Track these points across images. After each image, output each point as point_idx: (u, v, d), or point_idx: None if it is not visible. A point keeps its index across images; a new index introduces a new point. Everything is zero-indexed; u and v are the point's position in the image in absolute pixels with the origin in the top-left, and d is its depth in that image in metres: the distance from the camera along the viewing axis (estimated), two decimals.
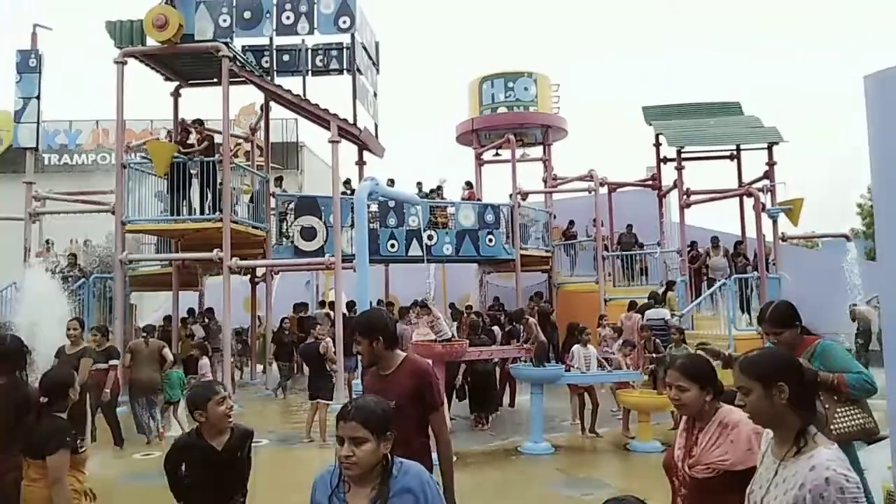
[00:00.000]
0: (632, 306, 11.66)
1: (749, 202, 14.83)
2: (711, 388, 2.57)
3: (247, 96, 20.16)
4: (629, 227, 17.08)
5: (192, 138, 11.79)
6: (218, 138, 11.94)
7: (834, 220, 39.83)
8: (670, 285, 13.63)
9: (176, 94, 13.70)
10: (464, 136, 18.92)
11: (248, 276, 14.46)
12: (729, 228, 17.23)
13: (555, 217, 17.69)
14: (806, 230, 17.73)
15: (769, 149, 15.02)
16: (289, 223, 12.79)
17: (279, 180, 14.31)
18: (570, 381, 8.56)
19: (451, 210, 14.43)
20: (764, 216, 13.78)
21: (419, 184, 15.86)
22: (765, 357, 2.18)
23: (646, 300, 11.76)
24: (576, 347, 8.94)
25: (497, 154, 18.82)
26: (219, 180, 11.24)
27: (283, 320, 13.49)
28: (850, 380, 3.71)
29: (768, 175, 15.05)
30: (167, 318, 13.67)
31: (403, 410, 2.79)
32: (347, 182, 14.34)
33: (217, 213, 11.18)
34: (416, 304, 9.73)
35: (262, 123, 13.97)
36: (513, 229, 15.04)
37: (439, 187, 15.96)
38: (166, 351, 8.72)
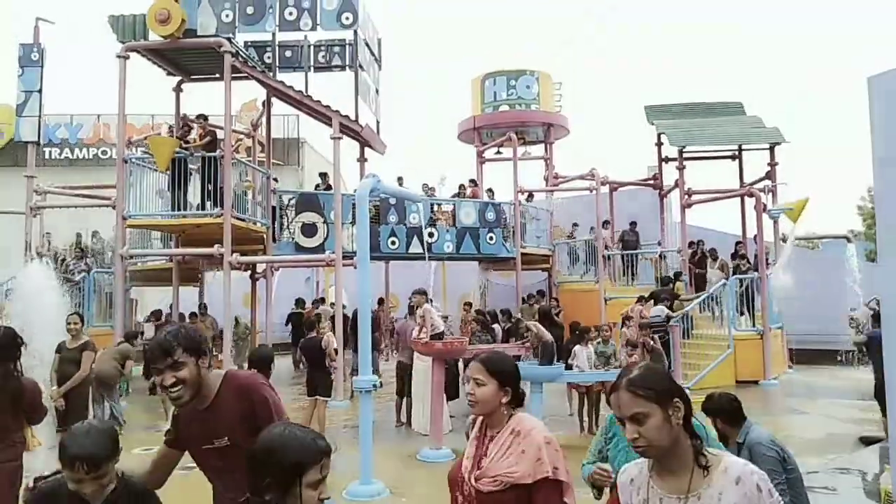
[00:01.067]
0: (640, 300, 11.71)
1: (750, 202, 14.84)
2: (511, 389, 2.35)
3: (249, 92, 20.13)
4: (632, 224, 17.05)
5: (194, 133, 11.78)
6: (220, 134, 11.93)
7: (834, 222, 39.85)
8: (677, 276, 13.62)
9: (178, 89, 13.68)
10: (465, 134, 18.92)
11: (249, 271, 14.46)
12: (730, 229, 17.27)
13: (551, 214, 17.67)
14: (807, 231, 17.75)
15: (771, 149, 15.04)
16: (290, 219, 12.79)
17: (324, 176, 14.37)
18: (570, 379, 8.56)
19: (446, 207, 14.37)
20: (765, 217, 13.78)
21: (425, 185, 15.87)
22: (652, 373, 1.89)
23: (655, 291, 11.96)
24: (577, 347, 8.94)
25: (499, 152, 18.81)
26: (220, 176, 11.24)
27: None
28: None
29: (770, 175, 15.06)
30: (155, 313, 13.62)
31: (240, 446, 2.21)
32: (324, 175, 14.27)
33: (218, 208, 11.19)
34: (415, 292, 9.67)
35: (264, 119, 13.95)
36: (514, 228, 15.04)
37: (432, 188, 15.97)
38: (131, 363, 8.92)
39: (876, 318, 8.68)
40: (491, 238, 14.46)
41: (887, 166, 4.43)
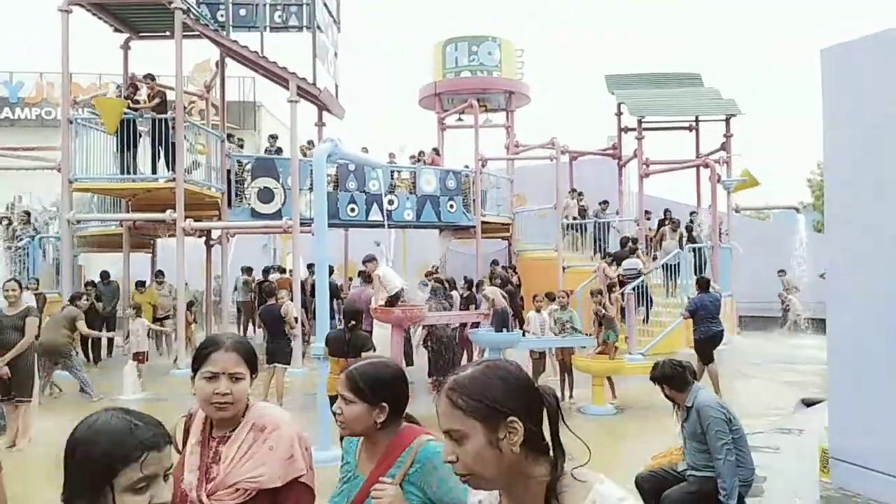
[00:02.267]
0: (606, 258, 12.65)
1: (706, 173, 15.12)
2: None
3: (201, 52, 19.39)
4: (604, 203, 17.00)
5: (143, 94, 11.32)
6: (170, 95, 11.50)
7: (784, 194, 41.02)
8: (634, 241, 13.90)
9: (125, 47, 13.09)
10: (426, 100, 18.68)
11: (203, 238, 14.13)
12: (685, 199, 17.61)
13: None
14: (757, 202, 18.27)
15: (727, 121, 15.32)
16: (246, 185, 12.49)
17: (231, 138, 13.92)
18: (528, 346, 8.68)
19: (406, 174, 14.24)
20: (719, 187, 14.08)
21: (392, 154, 15.59)
22: (485, 376, 1.34)
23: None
24: (531, 313, 9.04)
25: (460, 119, 18.66)
26: (171, 139, 10.87)
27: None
28: None
29: (725, 147, 15.35)
30: (90, 284, 13.09)
31: None
32: (274, 138, 13.95)
33: (170, 172, 10.84)
34: (365, 260, 9.59)
35: (218, 81, 13.49)
36: (474, 196, 15.01)
37: (421, 152, 15.72)
38: (81, 323, 8.83)
39: (702, 285, 9.20)
40: (451, 206, 14.42)
41: (837, 136, 4.54)
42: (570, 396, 8.64)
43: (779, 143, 55.53)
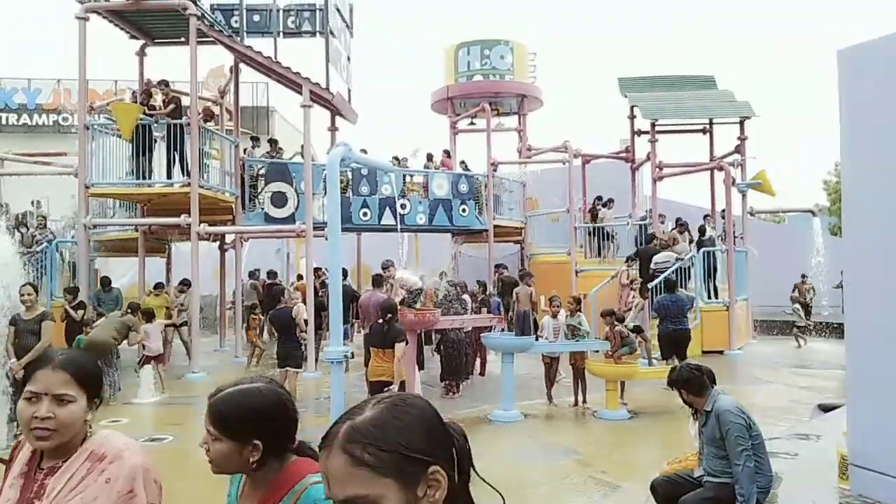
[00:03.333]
0: (628, 261, 13.13)
1: (720, 176, 15.00)
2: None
3: (215, 58, 19.59)
4: (610, 200, 17.06)
5: (157, 100, 11.43)
6: (185, 100, 11.60)
7: (800, 196, 40.65)
8: (652, 237, 13.91)
9: (141, 54, 13.23)
10: (439, 104, 18.72)
11: (217, 242, 14.23)
12: (699, 202, 17.49)
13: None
14: (772, 205, 18.08)
15: (741, 123, 15.19)
16: (259, 189, 12.57)
17: (256, 140, 14.02)
18: (540, 350, 8.65)
19: (418, 178, 14.24)
20: (734, 190, 13.96)
21: (395, 157, 15.63)
22: (396, 419, 1.03)
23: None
24: (546, 318, 8.99)
25: (472, 123, 18.68)
26: (186, 144, 10.96)
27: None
28: None
29: (739, 149, 15.23)
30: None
31: None
32: (273, 142, 13.98)
33: (185, 177, 10.93)
34: (384, 266, 9.70)
35: (232, 86, 13.59)
36: (487, 200, 14.99)
37: (429, 155, 15.73)
38: (134, 334, 9.16)
39: (668, 287, 9.96)
40: (464, 210, 14.41)
41: (854, 138, 4.49)
42: (584, 401, 8.59)
43: (794, 145, 55.08)
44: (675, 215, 15.54)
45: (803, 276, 15.10)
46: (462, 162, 16.35)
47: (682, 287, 12.46)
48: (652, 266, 12.55)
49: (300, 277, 14.95)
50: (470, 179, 14.69)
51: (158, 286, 12.54)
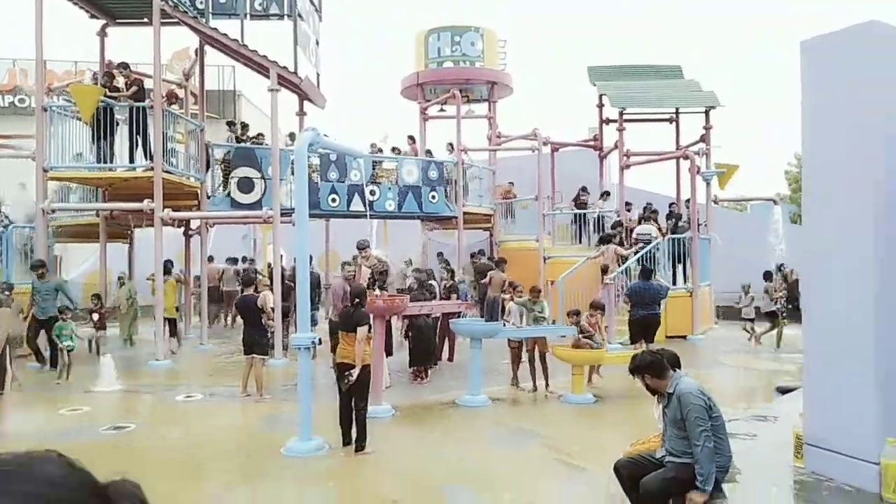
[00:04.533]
0: (602, 241, 13.43)
1: (685, 165, 15.25)
2: None
3: (180, 40, 19.16)
4: (607, 193, 17.27)
5: (120, 82, 11.13)
6: (148, 83, 11.31)
7: (762, 186, 41.50)
8: (618, 224, 14.17)
9: (102, 34, 12.84)
10: (409, 90, 18.59)
11: (182, 228, 13.97)
12: (666, 191, 17.75)
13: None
14: (735, 193, 18.45)
15: (706, 113, 15.43)
16: (225, 174, 12.35)
17: (231, 125, 13.74)
18: (507, 335, 8.72)
19: (388, 165, 14.15)
20: (699, 178, 14.21)
21: (373, 145, 15.53)
22: None
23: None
24: (511, 303, 9.08)
25: (442, 109, 18.61)
26: (150, 127, 10.71)
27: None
28: None
29: (705, 138, 15.48)
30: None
31: None
32: (245, 126, 13.81)
33: (148, 161, 10.69)
34: (361, 246, 9.71)
35: (197, 69, 13.29)
36: (456, 186, 14.98)
37: (393, 148, 15.70)
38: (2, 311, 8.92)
39: (643, 274, 10.31)
40: (433, 196, 14.38)
41: (815, 128, 4.60)
42: (547, 386, 8.73)
43: (757, 134, 56.15)
44: (642, 203, 15.78)
45: (780, 266, 15.19)
46: (427, 151, 16.34)
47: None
48: (633, 236, 13.26)
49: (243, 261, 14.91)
50: (439, 166, 14.66)
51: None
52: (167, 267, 11.94)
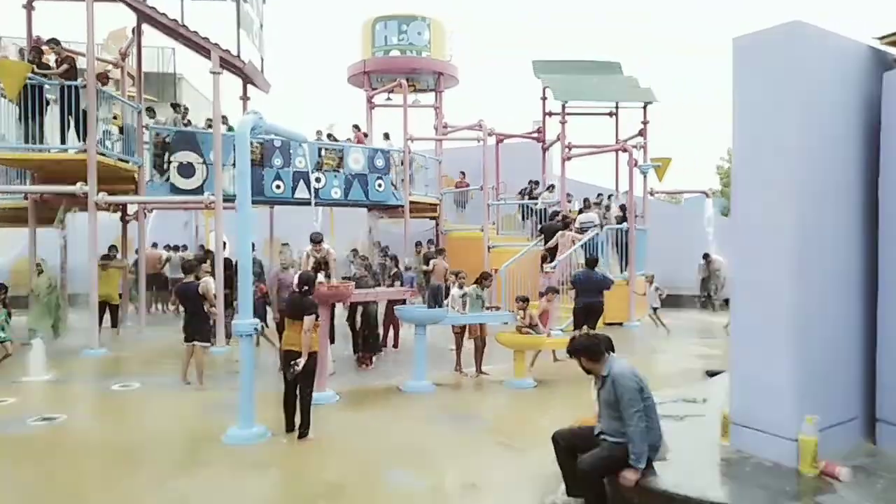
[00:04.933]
0: (542, 231, 13.98)
1: (624, 158, 15.68)
2: None
3: (116, 19, 18.34)
4: (535, 182, 17.59)
5: (50, 59, 10.61)
6: (81, 62, 10.84)
7: (696, 180, 42.93)
8: (556, 213, 14.52)
9: (29, 7, 12.20)
10: (355, 78, 18.43)
11: (119, 213, 13.48)
12: (605, 183, 18.22)
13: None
14: (669, 186, 19.10)
15: (644, 108, 15.90)
16: (165, 159, 11.98)
17: (151, 111, 13.28)
18: (452, 321, 8.83)
19: (333, 153, 14.00)
20: (636, 171, 14.66)
21: (319, 132, 15.32)
22: None
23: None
24: (453, 289, 9.20)
25: (389, 98, 18.53)
26: (83, 108, 10.27)
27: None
28: None
29: (642, 133, 15.96)
30: None
31: None
32: (175, 106, 13.48)
33: (81, 143, 10.27)
34: (317, 240, 9.67)
35: (134, 49, 12.80)
36: (403, 175, 14.98)
37: (329, 135, 15.53)
38: None
39: (588, 263, 10.70)
40: (380, 185, 14.34)
41: (745, 125, 4.81)
42: (479, 370, 8.91)
43: (691, 130, 57.96)
44: (583, 195, 16.18)
45: (706, 255, 15.80)
46: (385, 134, 16.30)
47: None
48: (577, 224, 13.73)
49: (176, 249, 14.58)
50: (386, 154, 14.62)
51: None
52: (111, 253, 11.54)
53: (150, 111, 13.20)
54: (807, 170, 4.37)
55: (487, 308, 9.12)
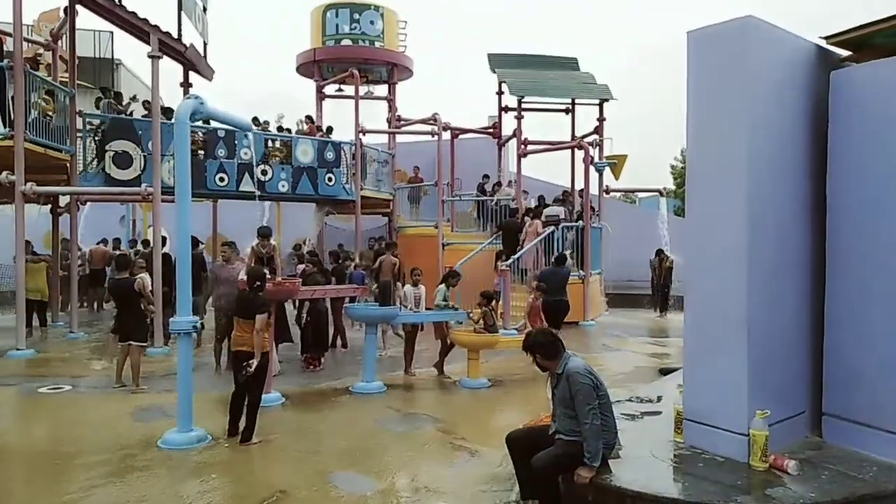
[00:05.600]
0: (529, 212, 14.02)
1: (580, 155, 15.72)
2: None
3: None
4: (486, 175, 17.52)
5: None
6: (8, 43, 10.15)
7: (650, 180, 43.83)
8: (515, 211, 14.46)
9: None
10: (305, 67, 17.91)
11: (49, 205, 12.74)
12: (561, 181, 18.29)
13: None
14: (625, 185, 19.31)
15: (600, 105, 15.96)
16: (99, 147, 11.35)
17: (105, 91, 12.56)
18: (404, 320, 8.62)
19: (280, 144, 13.56)
20: (592, 169, 14.70)
21: (255, 119, 14.79)
22: None
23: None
24: (407, 287, 8.98)
25: (340, 89, 18.12)
26: (9, 92, 9.61)
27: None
28: None
29: (598, 130, 16.02)
30: None
31: None
32: (105, 90, 12.79)
33: (7, 129, 9.61)
34: (265, 234, 9.37)
35: (67, 30, 12.08)
36: (355, 169, 14.63)
37: (279, 127, 15.06)
38: None
39: (557, 260, 10.94)
40: (330, 179, 13.97)
41: (700, 122, 4.76)
42: (440, 369, 8.75)
43: (649, 128, 59.18)
44: (538, 193, 16.18)
45: (659, 251, 15.97)
46: (363, 131, 15.85)
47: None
48: (544, 218, 13.77)
49: (146, 244, 13.86)
50: (336, 147, 14.25)
51: None
52: (29, 247, 10.86)
53: (105, 91, 12.50)
54: (757, 165, 4.37)
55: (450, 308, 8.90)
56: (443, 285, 8.97)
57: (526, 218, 13.85)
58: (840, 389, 4.69)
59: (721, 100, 4.48)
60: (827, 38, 4.99)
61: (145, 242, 14.05)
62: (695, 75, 4.69)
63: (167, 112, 11.43)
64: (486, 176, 17.41)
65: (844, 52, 5.07)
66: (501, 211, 15.89)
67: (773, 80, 4.49)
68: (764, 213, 4.40)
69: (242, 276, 7.89)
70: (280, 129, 14.74)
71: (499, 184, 17.07)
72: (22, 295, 9.98)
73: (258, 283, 6.03)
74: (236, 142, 12.29)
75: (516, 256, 12.83)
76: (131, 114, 12.50)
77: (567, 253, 12.75)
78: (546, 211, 14.14)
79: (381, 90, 18.95)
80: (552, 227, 13.36)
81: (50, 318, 12.40)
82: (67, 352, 10.24)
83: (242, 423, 5.84)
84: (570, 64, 17.55)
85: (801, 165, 4.72)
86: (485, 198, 16.92)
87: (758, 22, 4.39)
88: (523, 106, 15.46)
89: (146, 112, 11.90)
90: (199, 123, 11.01)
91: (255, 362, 5.73)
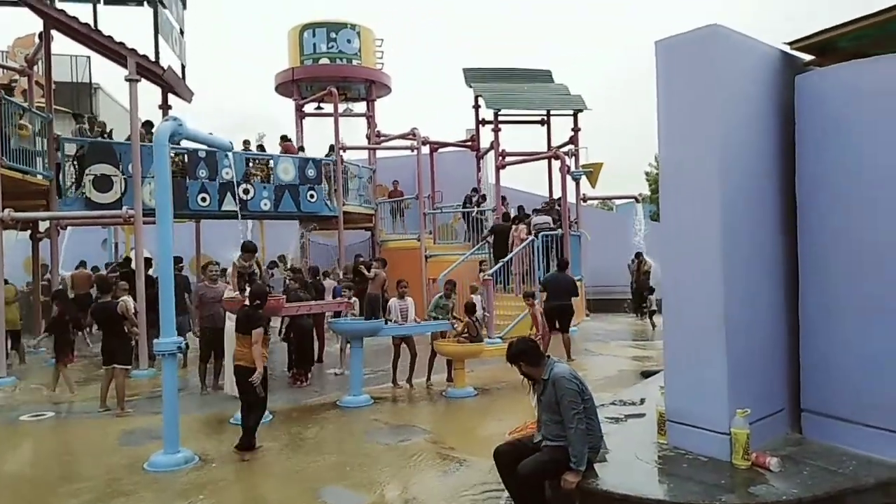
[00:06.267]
0: (515, 220, 14.41)
1: (556, 165, 15.90)
2: None
3: (23, 25, 17.35)
4: (475, 189, 17.66)
5: None
6: None
7: (625, 187, 44.18)
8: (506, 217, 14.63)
9: None
10: (283, 87, 17.98)
11: (29, 231, 12.63)
12: (539, 191, 18.45)
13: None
14: (601, 192, 19.56)
15: (575, 116, 16.19)
16: (79, 172, 11.30)
17: (78, 117, 12.51)
18: (390, 333, 8.64)
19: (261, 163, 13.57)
20: (568, 178, 14.88)
21: (246, 141, 14.79)
22: None
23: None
24: (393, 300, 9.03)
25: (319, 107, 18.19)
26: None
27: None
28: None
29: (573, 140, 16.23)
30: None
31: None
32: (77, 117, 12.77)
33: None
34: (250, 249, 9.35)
35: (43, 55, 12.04)
36: (336, 185, 14.67)
37: (260, 146, 15.05)
38: None
39: (559, 265, 11.15)
40: (312, 196, 14.01)
41: (671, 128, 4.89)
42: (428, 379, 8.87)
43: (624, 135, 59.80)
44: (517, 203, 16.32)
45: (638, 254, 16.17)
46: (301, 147, 15.89)
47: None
48: (532, 227, 13.86)
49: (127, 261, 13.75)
50: (317, 164, 14.29)
51: None
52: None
53: (78, 116, 12.45)
54: (728, 170, 4.47)
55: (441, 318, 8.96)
56: (437, 296, 9.04)
57: (513, 224, 13.99)
58: (817, 385, 4.76)
59: (690, 106, 4.59)
60: (791, 43, 5.13)
61: (126, 260, 13.95)
62: (664, 83, 4.82)
63: (148, 125, 11.48)
64: (475, 190, 17.57)
65: (808, 57, 5.22)
66: (485, 223, 16.02)
67: (740, 85, 4.59)
68: (737, 215, 4.49)
69: (227, 294, 7.92)
70: (261, 147, 14.75)
71: (484, 196, 17.22)
72: (2, 321, 9.86)
73: (259, 300, 6.21)
74: (218, 162, 12.29)
75: (503, 261, 12.95)
76: (110, 136, 12.46)
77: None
78: (535, 219, 14.26)
79: (360, 107, 19.05)
80: (527, 240, 13.41)
81: (34, 344, 12.23)
82: (49, 378, 10.09)
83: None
84: (544, 76, 17.78)
85: (772, 168, 4.81)
86: (466, 210, 17.04)
87: (723, 30, 4.52)
88: (500, 118, 15.63)
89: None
90: (182, 144, 11.02)
91: (258, 375, 5.90)
